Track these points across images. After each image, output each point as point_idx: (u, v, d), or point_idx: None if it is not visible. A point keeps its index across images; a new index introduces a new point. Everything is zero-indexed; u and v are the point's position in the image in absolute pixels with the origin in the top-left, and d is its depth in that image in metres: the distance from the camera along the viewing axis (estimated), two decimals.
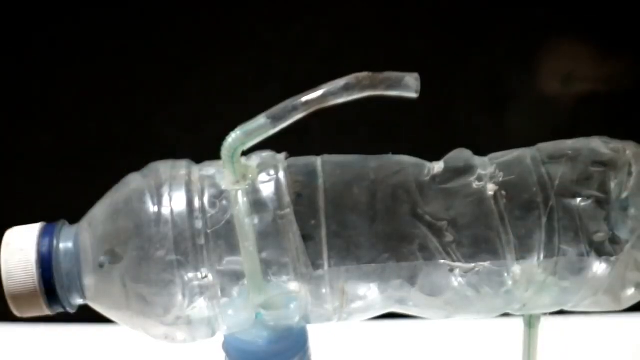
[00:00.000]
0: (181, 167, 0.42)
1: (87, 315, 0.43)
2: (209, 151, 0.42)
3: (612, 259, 0.41)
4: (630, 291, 0.43)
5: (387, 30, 0.77)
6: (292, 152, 0.43)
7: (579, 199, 0.42)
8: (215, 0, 0.76)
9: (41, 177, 0.82)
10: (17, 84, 0.80)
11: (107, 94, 0.80)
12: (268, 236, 0.40)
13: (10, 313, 0.41)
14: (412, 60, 0.69)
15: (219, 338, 0.43)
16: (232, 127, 0.40)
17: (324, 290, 0.41)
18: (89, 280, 0.41)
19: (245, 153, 0.41)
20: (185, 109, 0.80)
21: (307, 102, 0.39)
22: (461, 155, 0.44)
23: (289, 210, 0.41)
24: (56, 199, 0.76)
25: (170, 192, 0.41)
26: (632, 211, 0.42)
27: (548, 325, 0.45)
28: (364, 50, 0.76)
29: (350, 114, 0.66)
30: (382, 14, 0.77)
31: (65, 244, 0.41)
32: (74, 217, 0.43)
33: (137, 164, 0.43)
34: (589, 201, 0.42)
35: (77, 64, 0.79)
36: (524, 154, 0.44)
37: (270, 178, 0.41)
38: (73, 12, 0.77)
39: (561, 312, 0.44)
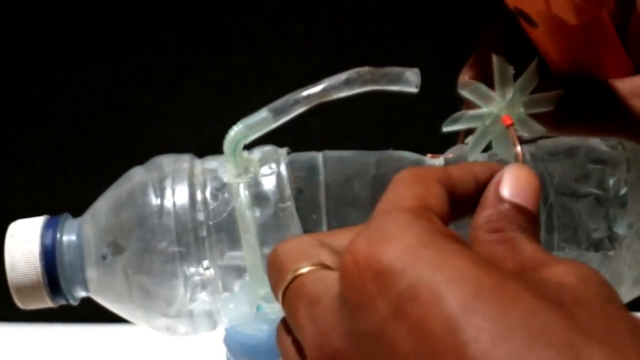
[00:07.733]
0: (184, 161, 0.43)
1: (87, 315, 0.43)
2: (209, 151, 0.43)
3: (611, 253, 0.41)
4: (629, 287, 0.43)
5: (387, 30, 0.77)
6: (294, 150, 0.43)
7: (578, 196, 0.42)
8: (216, 0, 0.77)
9: (44, 174, 0.82)
10: (17, 83, 0.80)
11: (107, 94, 0.80)
12: (269, 228, 0.40)
13: (11, 313, 0.41)
14: (413, 60, 0.69)
15: (220, 331, 0.43)
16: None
17: None
18: (91, 272, 0.41)
19: (247, 148, 0.41)
20: (185, 109, 0.80)
21: (308, 96, 0.39)
22: (461, 151, 0.44)
23: (290, 203, 0.41)
24: (59, 194, 0.76)
25: (173, 185, 0.41)
26: (630, 207, 0.42)
27: None
28: (364, 50, 0.77)
29: (352, 111, 0.66)
30: (383, 14, 0.77)
31: (68, 237, 0.41)
32: (77, 214, 0.44)
33: (137, 164, 0.44)
34: (588, 198, 0.42)
35: (77, 64, 0.79)
36: (523, 151, 0.44)
37: (271, 171, 0.41)
38: (73, 12, 0.77)
39: None
